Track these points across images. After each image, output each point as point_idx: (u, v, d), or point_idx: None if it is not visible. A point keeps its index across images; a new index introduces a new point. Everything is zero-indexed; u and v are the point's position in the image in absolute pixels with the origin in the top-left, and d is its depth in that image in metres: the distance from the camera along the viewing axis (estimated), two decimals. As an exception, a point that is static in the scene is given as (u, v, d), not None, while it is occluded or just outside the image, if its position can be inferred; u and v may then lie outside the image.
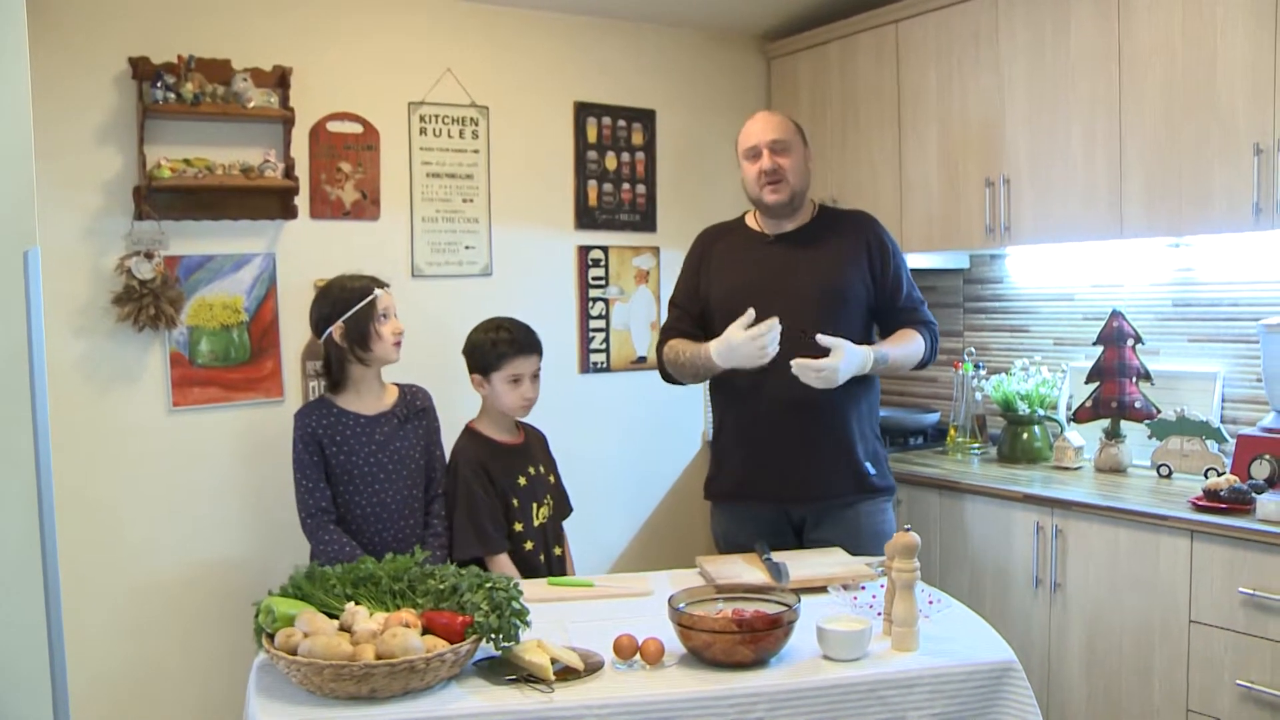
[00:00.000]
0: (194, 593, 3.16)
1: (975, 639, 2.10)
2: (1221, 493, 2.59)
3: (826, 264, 2.73)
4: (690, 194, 4.01)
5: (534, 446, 2.92)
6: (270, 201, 3.22)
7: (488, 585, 1.98)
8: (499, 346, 2.77)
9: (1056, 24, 3.08)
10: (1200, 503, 2.62)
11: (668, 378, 2.87)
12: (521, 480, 2.79)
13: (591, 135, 3.85)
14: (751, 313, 2.54)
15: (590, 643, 2.02)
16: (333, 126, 3.35)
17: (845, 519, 2.71)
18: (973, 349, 3.75)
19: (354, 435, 2.68)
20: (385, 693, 1.79)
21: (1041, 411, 3.37)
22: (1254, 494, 2.55)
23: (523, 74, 3.70)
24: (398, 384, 2.83)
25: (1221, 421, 3.05)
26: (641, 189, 3.96)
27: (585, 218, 3.85)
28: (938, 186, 3.50)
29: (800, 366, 2.50)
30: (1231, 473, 2.76)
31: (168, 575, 3.13)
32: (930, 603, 2.16)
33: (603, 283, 3.89)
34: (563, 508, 2.96)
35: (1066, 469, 3.24)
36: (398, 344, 2.72)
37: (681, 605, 2.02)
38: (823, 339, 2.53)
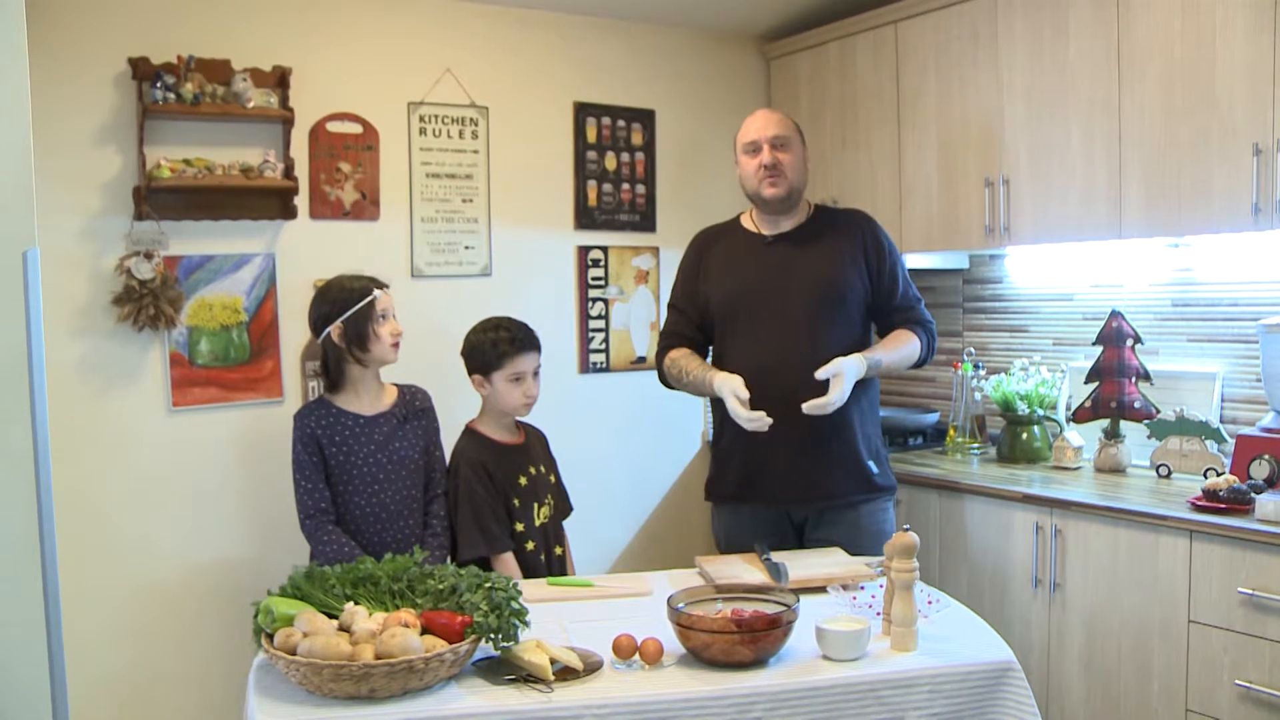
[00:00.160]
0: (193, 593, 3.16)
1: (974, 639, 2.10)
2: (1221, 493, 2.59)
3: (824, 264, 2.74)
4: (690, 194, 4.01)
5: (534, 446, 2.92)
6: (270, 202, 3.22)
7: (487, 585, 1.98)
8: (499, 346, 2.77)
9: (1055, 24, 3.08)
10: (1199, 503, 2.62)
11: (666, 384, 2.88)
12: (522, 480, 2.79)
13: (591, 135, 3.85)
14: (746, 397, 2.56)
15: (589, 643, 2.02)
16: (332, 127, 3.35)
17: (847, 519, 2.71)
18: (972, 349, 3.75)
19: (353, 435, 2.68)
20: (384, 692, 1.79)
21: (1041, 411, 3.37)
22: (1253, 494, 2.55)
23: (522, 74, 3.70)
24: (397, 384, 2.83)
25: (1221, 421, 3.05)
26: (641, 189, 3.96)
27: (585, 218, 3.85)
28: (937, 187, 3.50)
29: (812, 407, 2.54)
30: (1231, 473, 2.76)
31: (167, 575, 3.13)
32: (929, 603, 2.16)
33: (602, 283, 3.89)
34: (563, 507, 2.96)
35: (1066, 469, 3.24)
36: (396, 345, 2.72)
37: (680, 605, 2.03)
38: (820, 373, 2.55)
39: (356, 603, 2.03)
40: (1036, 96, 3.16)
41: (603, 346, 3.89)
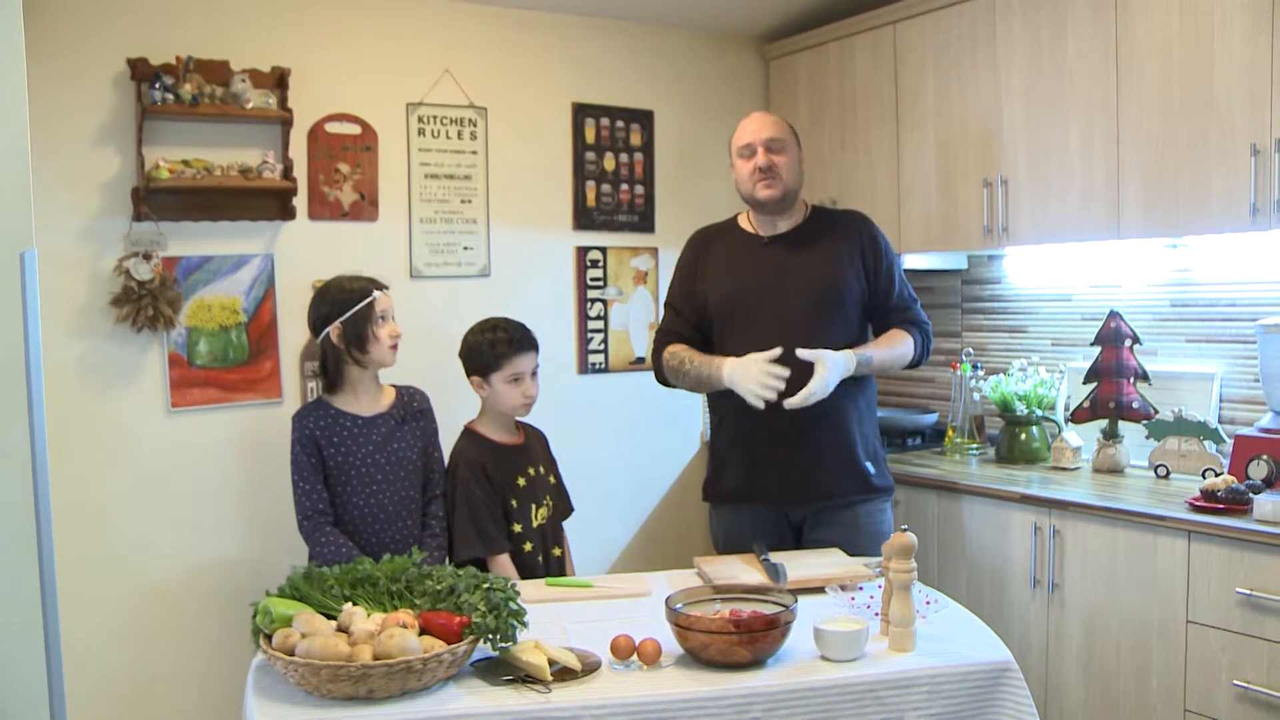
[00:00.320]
0: (192, 593, 3.16)
1: (972, 639, 2.10)
2: (1219, 493, 2.59)
3: (821, 265, 2.74)
4: (689, 195, 4.01)
5: (534, 447, 2.92)
6: (268, 202, 3.22)
7: (485, 586, 1.98)
8: (497, 347, 2.77)
9: (1054, 25, 3.09)
10: (1197, 503, 2.62)
11: (664, 381, 2.87)
12: (521, 481, 2.79)
13: (590, 136, 3.85)
14: (779, 350, 2.55)
15: (588, 643, 2.03)
16: (331, 127, 3.35)
17: (845, 519, 2.71)
18: (971, 349, 3.75)
19: (351, 436, 2.68)
20: (382, 693, 1.79)
21: (1039, 412, 3.38)
22: (1251, 494, 2.55)
23: (521, 75, 3.70)
24: (395, 385, 2.83)
25: (1219, 422, 3.05)
26: (640, 190, 3.96)
27: (583, 218, 3.85)
28: (936, 187, 3.50)
29: (794, 402, 2.53)
30: (1229, 473, 2.76)
31: (166, 576, 3.13)
32: (927, 603, 2.16)
33: (601, 283, 3.89)
34: (563, 508, 2.96)
35: (1064, 469, 3.24)
36: (394, 347, 2.72)
37: (679, 606, 2.03)
38: (803, 353, 2.54)
39: (355, 603, 2.03)
40: (1035, 97, 3.16)
41: (601, 347, 3.90)
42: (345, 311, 2.66)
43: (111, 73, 3.00)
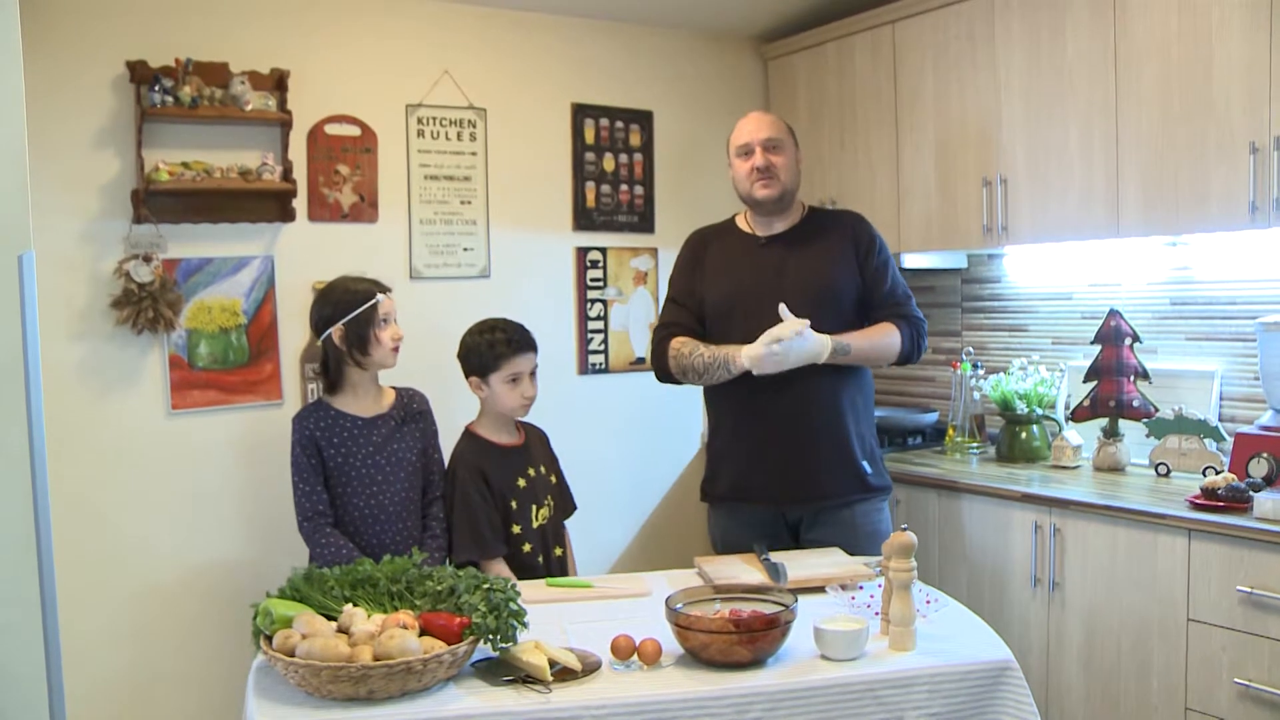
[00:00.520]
0: (193, 595, 3.16)
1: (972, 638, 2.10)
2: (1219, 491, 2.59)
3: (817, 265, 2.74)
4: (688, 195, 4.01)
5: (534, 447, 2.92)
6: (268, 204, 3.22)
7: (485, 586, 1.98)
8: (496, 347, 2.77)
9: (1053, 24, 3.09)
10: (1198, 501, 2.62)
11: (665, 375, 2.83)
12: (520, 482, 2.79)
13: (589, 137, 3.85)
14: (783, 308, 2.54)
15: (588, 643, 2.03)
16: (330, 129, 3.35)
17: (842, 519, 2.71)
18: (971, 349, 3.75)
19: (351, 437, 2.68)
20: (383, 694, 1.79)
21: (1040, 411, 3.38)
22: (1251, 492, 2.55)
23: (520, 76, 3.70)
24: (395, 387, 2.83)
25: (1219, 420, 3.05)
26: (639, 190, 3.96)
27: (583, 219, 3.85)
28: (935, 187, 3.50)
29: (750, 350, 2.53)
30: (1229, 471, 2.76)
31: (166, 577, 3.13)
32: (928, 602, 2.16)
33: (601, 284, 3.89)
34: (565, 506, 2.96)
35: (1065, 468, 3.24)
36: (396, 349, 2.72)
37: (679, 606, 2.03)
38: (784, 310, 2.53)
39: (355, 604, 2.03)
40: (1034, 97, 3.16)
41: (601, 348, 3.90)
42: (348, 313, 2.66)
43: (111, 75, 3.00)
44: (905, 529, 2.04)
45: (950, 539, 3.20)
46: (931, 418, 3.83)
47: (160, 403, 3.12)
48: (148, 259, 3.01)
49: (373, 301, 2.68)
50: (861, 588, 2.24)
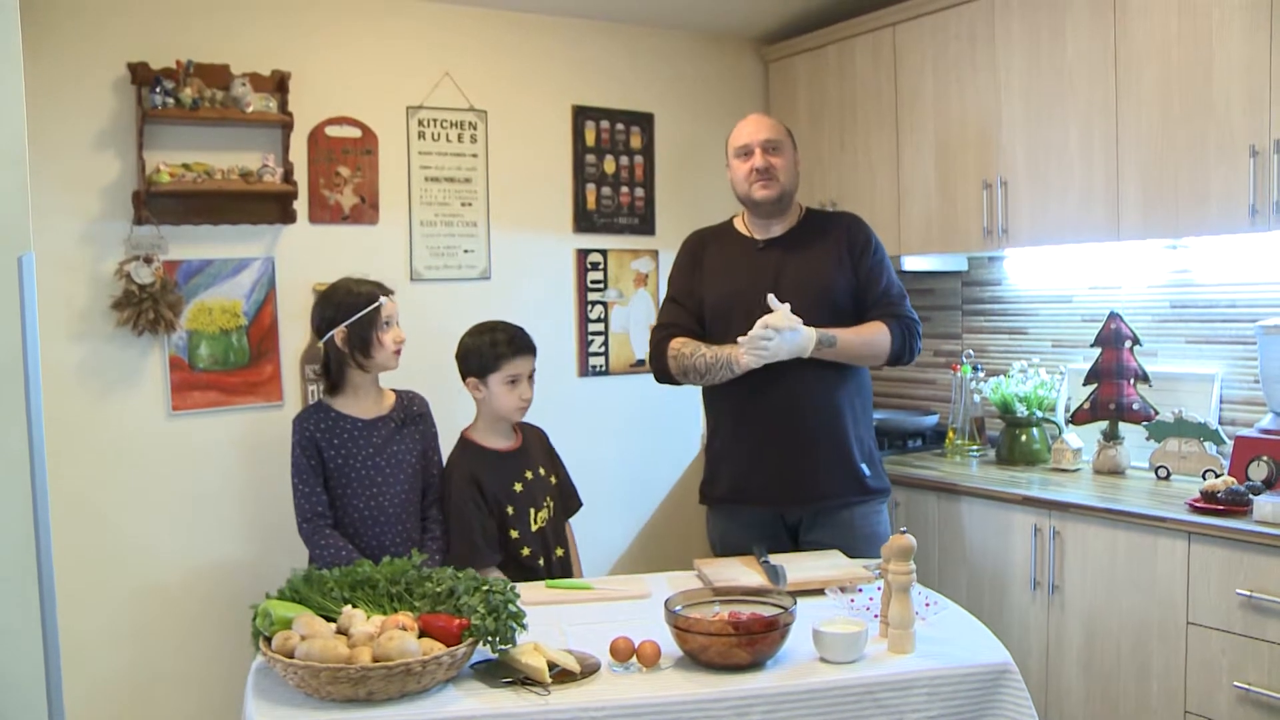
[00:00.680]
0: (193, 595, 3.16)
1: (971, 641, 2.10)
2: (1219, 494, 2.59)
3: (814, 268, 2.74)
4: (689, 197, 4.01)
5: (532, 448, 2.91)
6: (269, 206, 3.22)
7: (484, 588, 1.98)
8: (497, 347, 2.78)
9: (1053, 26, 3.09)
10: (1197, 504, 2.62)
11: (664, 375, 2.82)
12: (517, 486, 2.79)
13: (590, 139, 3.85)
14: (772, 298, 2.53)
15: (587, 645, 2.03)
16: (331, 131, 3.36)
17: (840, 521, 2.71)
18: (971, 351, 3.75)
19: (351, 439, 2.68)
20: (382, 695, 1.79)
21: (1040, 413, 3.37)
22: (1251, 495, 2.55)
23: (521, 78, 3.70)
24: (395, 389, 2.84)
25: (1219, 423, 3.05)
26: (640, 192, 3.96)
27: (584, 221, 3.85)
28: (935, 189, 3.50)
29: (743, 340, 2.52)
30: (1229, 474, 2.76)
31: (167, 578, 3.13)
32: (927, 605, 2.16)
33: (601, 286, 3.89)
34: (568, 505, 2.96)
35: (1065, 471, 3.24)
36: (398, 352, 2.73)
37: (678, 608, 2.03)
38: (772, 299, 2.52)
39: (354, 605, 2.03)
40: (1034, 98, 3.16)
41: (602, 350, 3.90)
42: (351, 315, 2.66)
43: (112, 77, 3.01)
44: (904, 532, 2.04)
45: (950, 542, 3.20)
46: (932, 420, 3.83)
47: (161, 404, 3.12)
48: (148, 260, 3.01)
49: (376, 304, 2.68)
50: (861, 590, 2.25)
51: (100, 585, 3.02)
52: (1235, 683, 2.49)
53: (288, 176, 3.20)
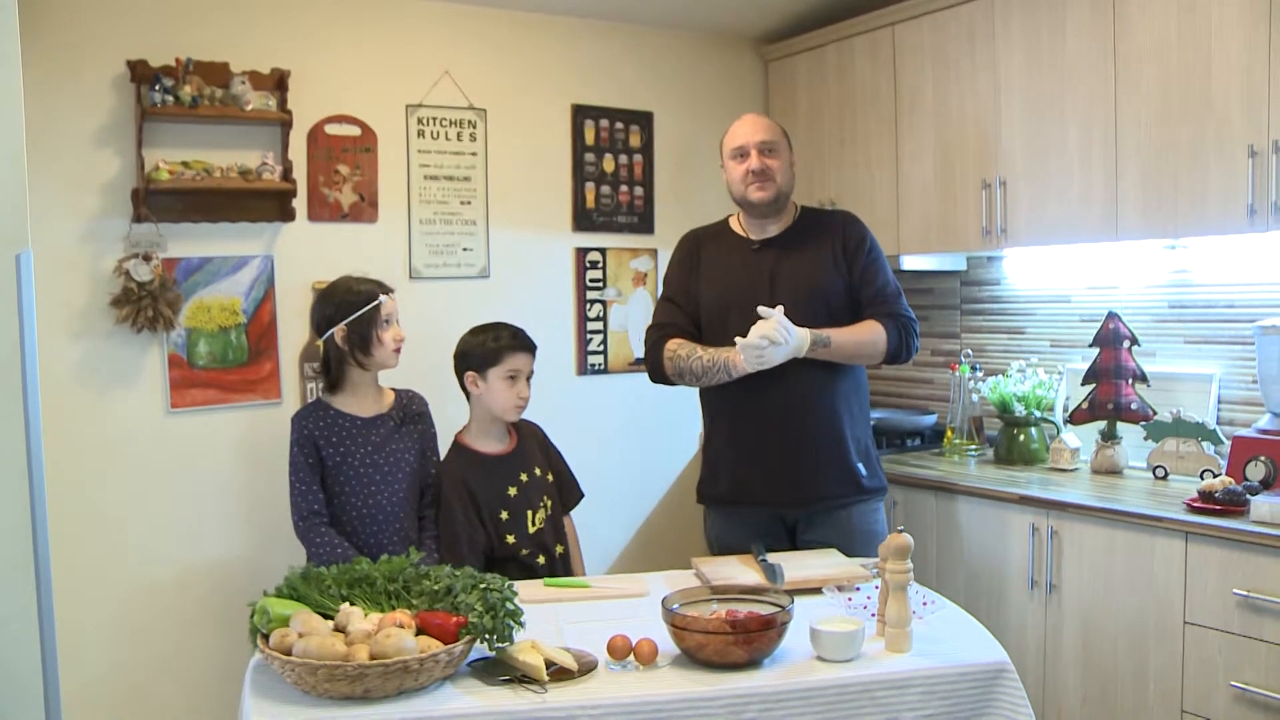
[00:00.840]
0: (191, 593, 3.17)
1: (969, 640, 2.10)
2: (1216, 494, 2.59)
3: (809, 269, 2.73)
4: (688, 196, 4.01)
5: (528, 448, 2.90)
6: (268, 204, 3.22)
7: (482, 586, 1.98)
8: (501, 340, 2.79)
9: (1052, 26, 3.09)
10: (1195, 504, 2.62)
11: (659, 376, 2.81)
12: (511, 490, 2.78)
13: (589, 137, 3.85)
14: (763, 309, 2.52)
15: (585, 643, 2.03)
16: (331, 129, 3.36)
17: (838, 520, 2.71)
18: (969, 351, 3.75)
19: (350, 437, 2.69)
20: (379, 693, 1.80)
21: (1038, 413, 3.38)
22: (1249, 495, 2.55)
23: (520, 76, 3.70)
24: (394, 388, 2.84)
25: (1217, 423, 3.05)
26: (639, 191, 3.96)
27: (583, 220, 3.86)
28: (934, 189, 3.50)
29: (741, 342, 2.50)
30: (1227, 474, 2.76)
31: (165, 576, 3.13)
32: (924, 604, 2.17)
33: (600, 284, 3.89)
34: (567, 500, 2.96)
35: (1063, 470, 3.24)
36: (398, 350, 2.73)
37: (675, 606, 2.03)
38: (763, 310, 2.51)
39: (352, 603, 2.03)
40: (1033, 98, 3.16)
41: (600, 348, 3.90)
42: (351, 313, 2.66)
43: (111, 74, 3.01)
44: (901, 530, 2.04)
45: (948, 541, 3.20)
46: (930, 420, 3.84)
47: (159, 401, 3.12)
48: (147, 258, 3.01)
49: (376, 302, 2.68)
50: (858, 589, 2.25)
51: (98, 582, 3.02)
52: (1232, 682, 2.49)
53: (287, 174, 3.21)
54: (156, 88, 2.97)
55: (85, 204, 3.00)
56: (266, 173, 3.15)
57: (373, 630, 1.87)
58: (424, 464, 2.80)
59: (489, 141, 3.64)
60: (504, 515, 2.75)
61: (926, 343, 3.95)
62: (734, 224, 2.87)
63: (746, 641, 1.91)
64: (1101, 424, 3.20)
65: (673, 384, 2.82)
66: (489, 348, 2.78)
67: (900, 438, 3.77)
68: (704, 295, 2.80)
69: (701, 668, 1.93)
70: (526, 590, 2.32)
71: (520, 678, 1.87)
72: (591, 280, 3.88)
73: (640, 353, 3.89)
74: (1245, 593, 2.45)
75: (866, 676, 1.92)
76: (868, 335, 2.68)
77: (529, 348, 2.83)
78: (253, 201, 3.20)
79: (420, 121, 3.52)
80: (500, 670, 1.92)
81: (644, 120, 3.96)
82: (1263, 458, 2.72)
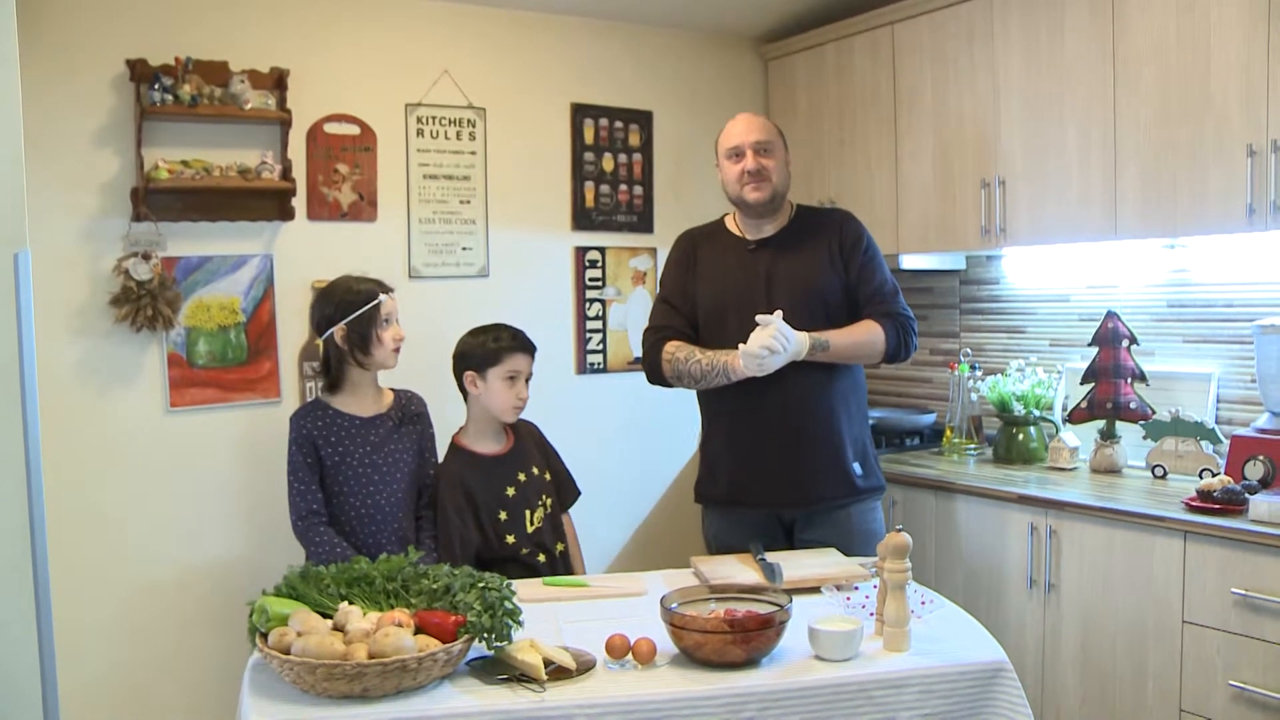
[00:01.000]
0: (190, 592, 3.17)
1: (967, 639, 2.10)
2: (1215, 493, 2.59)
3: (805, 268, 2.73)
4: (687, 195, 4.01)
5: (525, 448, 2.90)
6: (267, 203, 3.22)
7: (480, 585, 1.98)
8: (501, 340, 2.79)
9: (1051, 26, 3.09)
10: (1194, 503, 2.63)
11: (657, 378, 2.82)
12: (509, 491, 2.78)
13: (589, 136, 3.85)
14: (761, 316, 2.52)
15: (583, 642, 2.03)
16: (330, 128, 3.36)
17: (836, 520, 2.71)
18: (969, 350, 3.75)
19: (349, 436, 2.69)
20: (378, 692, 1.80)
21: (1037, 412, 3.38)
22: (1247, 495, 2.56)
23: (520, 76, 3.70)
24: (393, 389, 2.84)
25: (1216, 422, 3.05)
26: (638, 190, 3.97)
27: (582, 219, 3.86)
28: (933, 188, 3.50)
29: (744, 348, 2.50)
30: (1225, 473, 2.77)
31: (164, 575, 3.13)
32: (923, 603, 2.17)
33: (599, 284, 3.89)
34: (565, 498, 2.96)
35: (1062, 470, 3.24)
36: (397, 350, 2.73)
37: (674, 605, 2.03)
38: (761, 317, 2.51)
39: (351, 602, 2.03)
40: (1032, 98, 3.16)
41: (600, 347, 3.90)
42: (351, 313, 2.67)
43: (111, 73, 3.01)
44: (900, 530, 2.04)
45: (947, 540, 3.20)
46: (929, 419, 3.84)
47: (159, 400, 3.12)
48: (147, 257, 3.01)
49: (375, 302, 2.68)
50: (857, 588, 2.25)
51: (97, 581, 3.02)
52: (1231, 681, 2.49)
53: (286, 173, 3.21)
54: (156, 87, 2.97)
55: (84, 203, 3.00)
56: (266, 172, 3.15)
57: (371, 629, 1.87)
58: (422, 464, 2.80)
59: (488, 141, 3.64)
60: (503, 515, 2.75)
61: (925, 342, 3.95)
62: (730, 223, 2.86)
63: (745, 640, 1.91)
64: (1100, 423, 3.20)
65: (671, 386, 2.82)
66: (489, 348, 2.78)
67: (899, 437, 3.77)
68: (701, 296, 2.79)
69: (700, 667, 1.93)
70: (525, 589, 2.32)
71: (519, 677, 1.88)
72: (591, 279, 3.88)
73: (639, 352, 3.91)
74: (1244, 592, 2.45)
75: (865, 676, 1.92)
76: (866, 336, 2.67)
77: (529, 349, 2.83)
78: (252, 201, 3.20)
79: (420, 120, 3.52)
80: (499, 669, 1.92)
81: (643, 119, 3.96)
82: (1261, 457, 2.72)
